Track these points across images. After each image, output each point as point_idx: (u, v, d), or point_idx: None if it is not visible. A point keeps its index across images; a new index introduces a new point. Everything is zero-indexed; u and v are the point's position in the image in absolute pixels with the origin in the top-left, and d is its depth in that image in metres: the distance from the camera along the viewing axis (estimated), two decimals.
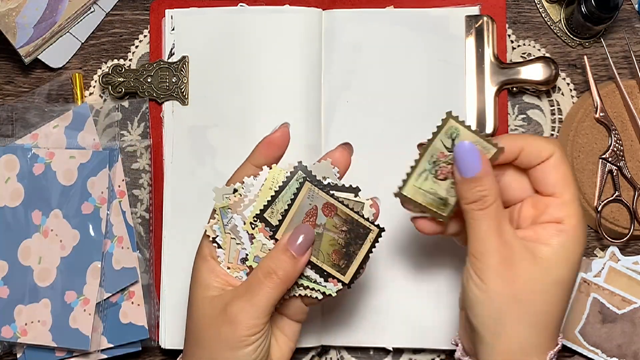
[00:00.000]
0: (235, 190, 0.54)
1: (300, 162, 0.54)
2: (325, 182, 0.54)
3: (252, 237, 0.54)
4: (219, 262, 0.54)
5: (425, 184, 0.54)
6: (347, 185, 0.55)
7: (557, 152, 0.52)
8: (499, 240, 0.50)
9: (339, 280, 0.55)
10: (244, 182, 0.54)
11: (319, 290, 0.55)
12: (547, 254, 0.51)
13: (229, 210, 0.54)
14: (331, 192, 0.54)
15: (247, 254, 0.54)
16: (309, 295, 0.55)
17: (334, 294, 0.55)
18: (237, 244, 0.54)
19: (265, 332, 0.53)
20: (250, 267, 0.54)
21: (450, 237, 0.57)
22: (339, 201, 0.54)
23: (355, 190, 0.55)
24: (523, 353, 0.50)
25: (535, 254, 0.51)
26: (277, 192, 0.54)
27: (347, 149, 0.57)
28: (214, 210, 0.55)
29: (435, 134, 0.53)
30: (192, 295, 0.54)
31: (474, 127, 0.53)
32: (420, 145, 0.54)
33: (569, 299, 0.52)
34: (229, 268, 0.54)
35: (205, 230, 0.55)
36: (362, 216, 0.54)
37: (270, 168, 0.54)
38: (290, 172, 0.54)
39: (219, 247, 0.55)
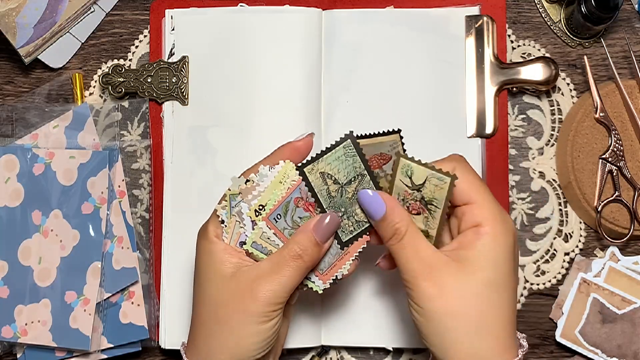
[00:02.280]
0: (247, 181, 0.56)
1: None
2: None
3: (254, 224, 0.55)
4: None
5: None
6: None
7: (458, 165, 0.55)
8: (421, 264, 0.52)
9: (310, 288, 0.57)
10: (258, 171, 0.56)
11: (306, 284, 0.57)
12: (469, 259, 0.52)
13: (238, 195, 0.56)
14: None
15: (246, 238, 0.55)
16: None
17: (320, 291, 0.57)
18: (240, 227, 0.56)
19: (282, 310, 0.55)
20: (246, 251, 0.55)
21: None
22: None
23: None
24: None
25: (461, 262, 0.52)
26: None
27: (310, 137, 0.58)
28: (225, 195, 0.56)
29: (393, 176, 0.55)
30: (207, 275, 0.55)
31: (424, 161, 0.54)
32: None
33: (509, 301, 0.53)
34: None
35: (212, 214, 0.57)
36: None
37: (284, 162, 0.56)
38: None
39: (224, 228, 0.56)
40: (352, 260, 0.57)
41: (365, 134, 0.55)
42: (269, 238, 0.55)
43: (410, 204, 0.55)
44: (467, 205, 0.54)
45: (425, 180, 0.54)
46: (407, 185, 0.55)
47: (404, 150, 0.56)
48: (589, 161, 0.68)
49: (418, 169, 0.54)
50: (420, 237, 0.54)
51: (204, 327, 0.55)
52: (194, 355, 0.56)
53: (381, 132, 0.56)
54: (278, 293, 0.53)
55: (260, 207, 0.55)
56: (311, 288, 0.56)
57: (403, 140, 0.56)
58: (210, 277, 0.55)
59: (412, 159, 0.54)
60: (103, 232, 0.67)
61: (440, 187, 0.53)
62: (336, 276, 0.57)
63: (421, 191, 0.55)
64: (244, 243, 0.56)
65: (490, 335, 0.51)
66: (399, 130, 0.56)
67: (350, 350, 0.70)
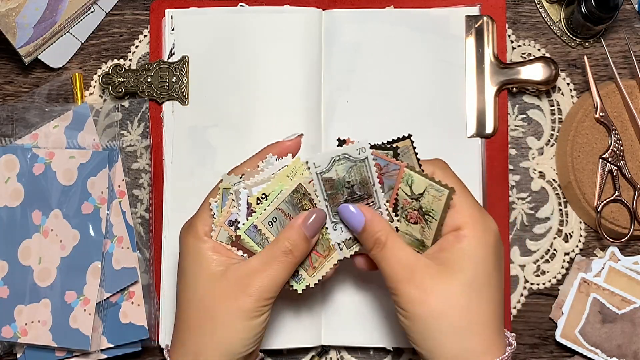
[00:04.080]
0: (242, 175, 0.56)
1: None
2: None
3: (252, 211, 0.56)
4: (213, 240, 0.56)
5: (402, 226, 0.57)
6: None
7: (437, 169, 0.56)
8: (402, 270, 0.53)
9: (291, 286, 0.58)
10: (266, 157, 0.57)
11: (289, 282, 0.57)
12: (449, 261, 0.53)
13: (230, 193, 0.56)
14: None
15: (237, 219, 0.56)
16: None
17: (299, 291, 0.57)
18: (233, 206, 0.56)
19: (272, 305, 0.56)
20: (238, 236, 0.56)
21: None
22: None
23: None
24: None
25: (442, 264, 0.53)
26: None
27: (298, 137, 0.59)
28: (217, 188, 0.56)
29: (395, 185, 0.56)
30: (195, 274, 0.56)
31: (425, 172, 0.56)
32: None
33: (493, 299, 0.53)
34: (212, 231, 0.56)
35: (199, 210, 0.57)
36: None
37: (293, 157, 0.56)
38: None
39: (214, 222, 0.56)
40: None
41: (378, 144, 0.56)
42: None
43: (408, 212, 0.56)
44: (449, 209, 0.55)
45: (424, 191, 0.55)
46: (406, 194, 0.56)
47: (416, 154, 0.56)
48: (589, 161, 0.68)
49: (418, 179, 0.55)
50: (401, 244, 0.55)
51: (192, 326, 0.55)
52: (181, 356, 0.56)
53: (393, 139, 0.56)
54: (270, 288, 0.54)
55: (263, 196, 0.55)
56: (292, 286, 0.57)
57: (414, 144, 0.56)
58: (199, 276, 0.55)
59: (413, 169, 0.55)
60: (103, 232, 0.67)
61: (438, 199, 0.54)
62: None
63: (420, 201, 0.55)
64: (233, 223, 0.56)
65: (474, 334, 0.52)
66: (410, 136, 0.56)
67: (350, 350, 0.70)
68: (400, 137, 0.56)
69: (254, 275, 0.54)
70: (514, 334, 0.56)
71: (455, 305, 0.52)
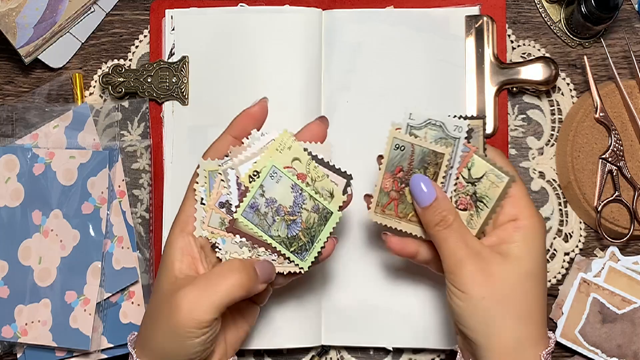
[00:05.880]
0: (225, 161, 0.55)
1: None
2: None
3: (245, 191, 0.54)
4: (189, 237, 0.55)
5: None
6: (342, 170, 0.56)
7: (497, 154, 0.56)
8: (468, 251, 0.53)
9: (297, 265, 0.56)
10: (250, 134, 0.55)
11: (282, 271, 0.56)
12: (513, 251, 0.53)
13: (219, 173, 0.55)
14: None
15: (227, 200, 0.55)
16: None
17: (305, 269, 0.56)
18: (224, 187, 0.55)
19: (215, 327, 0.53)
20: (233, 220, 0.54)
21: (424, 265, 0.59)
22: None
23: (348, 178, 0.56)
24: (516, 347, 0.52)
25: (503, 255, 0.53)
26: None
27: (323, 122, 0.58)
28: (198, 174, 0.55)
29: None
30: (161, 269, 0.55)
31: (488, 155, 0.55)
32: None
33: (544, 291, 0.54)
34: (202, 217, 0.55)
35: (185, 201, 0.56)
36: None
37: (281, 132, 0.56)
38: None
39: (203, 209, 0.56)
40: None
41: (460, 115, 0.54)
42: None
43: (460, 197, 0.55)
44: (505, 198, 0.55)
45: (483, 175, 0.54)
46: (463, 177, 0.55)
47: (484, 138, 0.55)
48: (589, 161, 0.68)
49: (479, 162, 0.54)
50: (467, 229, 0.55)
51: (146, 316, 0.55)
52: (137, 343, 0.56)
53: (466, 115, 0.55)
54: (204, 308, 0.51)
55: (255, 173, 0.54)
56: (297, 265, 0.56)
57: (485, 125, 0.56)
58: (162, 272, 0.55)
59: (477, 151, 0.54)
60: (103, 232, 0.68)
61: (495, 185, 0.54)
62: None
63: (475, 185, 0.54)
64: (224, 205, 0.55)
65: (532, 322, 0.53)
66: (484, 117, 0.55)
67: (350, 350, 0.70)
68: (475, 115, 0.55)
69: (191, 291, 0.51)
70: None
71: (517, 293, 0.52)
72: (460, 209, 0.56)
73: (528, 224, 0.54)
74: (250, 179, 0.54)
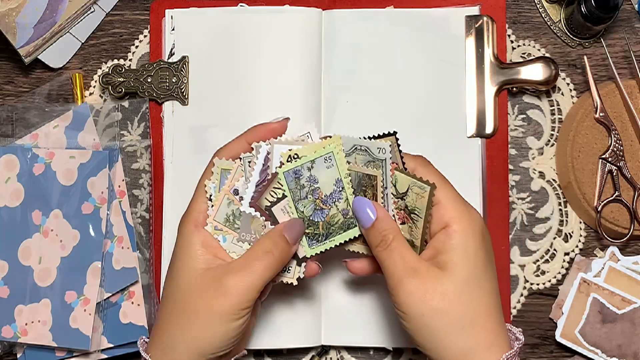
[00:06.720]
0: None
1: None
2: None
3: (267, 175, 0.56)
4: (205, 233, 0.57)
5: None
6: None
7: (419, 166, 0.56)
8: (406, 270, 0.53)
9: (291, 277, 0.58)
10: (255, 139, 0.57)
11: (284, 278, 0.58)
12: (448, 261, 0.53)
13: (230, 171, 0.56)
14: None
15: (237, 189, 0.56)
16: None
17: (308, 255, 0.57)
18: (241, 171, 0.56)
19: (252, 308, 0.55)
20: (274, 174, 0.55)
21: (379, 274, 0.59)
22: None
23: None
24: (467, 356, 0.52)
25: (440, 266, 0.53)
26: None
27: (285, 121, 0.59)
28: (210, 171, 0.57)
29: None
30: (181, 265, 0.56)
31: (405, 169, 0.56)
32: None
33: (490, 291, 0.54)
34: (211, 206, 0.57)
35: (195, 196, 0.57)
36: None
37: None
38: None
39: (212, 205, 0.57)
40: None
41: (364, 137, 0.56)
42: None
43: (395, 212, 0.56)
44: (433, 206, 0.55)
45: (408, 189, 0.55)
46: (392, 194, 0.56)
47: (400, 152, 0.56)
48: (589, 161, 0.68)
49: (401, 177, 0.55)
50: (406, 245, 0.55)
51: (169, 317, 0.56)
52: (154, 348, 0.56)
53: (378, 134, 0.56)
54: (248, 289, 0.54)
55: (296, 156, 0.55)
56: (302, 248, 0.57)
57: (399, 142, 0.56)
58: (184, 271, 0.55)
59: (397, 167, 0.55)
60: (103, 232, 0.68)
61: (421, 196, 0.54)
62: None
63: (405, 199, 0.55)
64: (239, 192, 0.56)
65: (478, 328, 0.52)
66: (395, 133, 0.56)
67: (350, 350, 0.70)
68: (386, 132, 0.56)
69: (233, 277, 0.54)
70: (520, 329, 0.56)
71: (456, 302, 0.52)
72: (400, 223, 0.56)
73: (458, 228, 0.53)
74: (289, 159, 0.56)
